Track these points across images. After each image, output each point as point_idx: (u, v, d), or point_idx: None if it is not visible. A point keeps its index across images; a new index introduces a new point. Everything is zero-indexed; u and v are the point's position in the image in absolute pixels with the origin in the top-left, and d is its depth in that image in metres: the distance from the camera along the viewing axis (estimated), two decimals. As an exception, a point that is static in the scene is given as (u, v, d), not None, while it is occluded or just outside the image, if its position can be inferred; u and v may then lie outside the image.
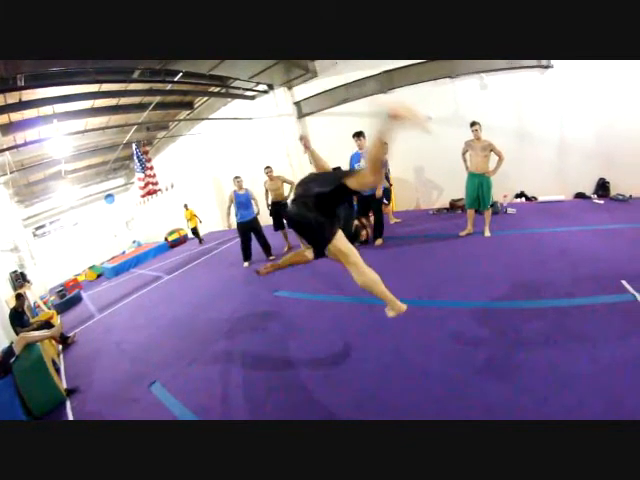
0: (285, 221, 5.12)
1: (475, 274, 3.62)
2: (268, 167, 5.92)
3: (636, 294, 2.72)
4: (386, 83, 6.81)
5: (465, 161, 4.88)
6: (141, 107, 8.40)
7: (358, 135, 5.03)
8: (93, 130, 8.23)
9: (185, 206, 10.74)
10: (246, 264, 5.78)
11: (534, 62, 6.35)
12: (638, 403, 1.72)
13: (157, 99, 8.12)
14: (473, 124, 4.65)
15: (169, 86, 7.46)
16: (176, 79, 6.82)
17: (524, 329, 2.51)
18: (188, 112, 10.18)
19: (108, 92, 6.93)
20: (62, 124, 7.30)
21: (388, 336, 2.73)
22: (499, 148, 4.62)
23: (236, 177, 5.70)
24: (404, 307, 2.11)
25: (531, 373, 2.07)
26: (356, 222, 2.42)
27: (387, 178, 6.00)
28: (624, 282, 2.93)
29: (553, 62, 6.30)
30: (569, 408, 1.75)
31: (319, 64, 7.50)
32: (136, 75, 6.34)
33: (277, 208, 5.90)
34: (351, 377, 2.37)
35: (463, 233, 4.90)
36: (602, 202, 6.04)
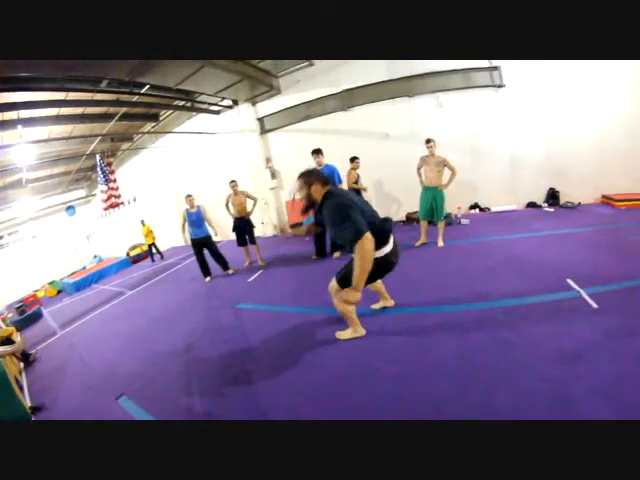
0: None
1: (428, 282, 4.00)
2: (233, 181, 6.17)
3: (580, 291, 3.14)
4: (346, 101, 7.41)
5: (420, 175, 5.38)
6: (106, 117, 8.58)
7: (317, 152, 5.42)
8: (57, 139, 8.37)
9: (142, 222, 10.92)
10: (207, 279, 6.03)
11: (488, 81, 7.19)
12: (581, 391, 1.99)
13: (123, 110, 8.34)
14: (428, 141, 5.18)
15: (135, 98, 7.68)
16: (143, 91, 7.08)
17: (473, 329, 2.85)
18: (153, 124, 10.46)
19: (75, 101, 7.09)
20: (26, 130, 7.36)
21: (344, 344, 2.99)
22: (452, 163, 5.14)
23: (188, 195, 5.98)
24: (364, 332, 2.55)
25: (478, 369, 2.35)
26: None
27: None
28: (569, 281, 3.37)
29: (506, 81, 7.16)
30: (514, 401, 1.99)
31: (283, 81, 8.04)
32: (104, 85, 6.51)
33: (241, 224, 6.18)
34: (313, 381, 2.58)
35: (418, 243, 5.43)
36: (552, 210, 6.84)
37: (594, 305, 2.90)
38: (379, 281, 3.23)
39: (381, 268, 2.46)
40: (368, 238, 2.11)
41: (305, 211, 2.58)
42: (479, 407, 2.01)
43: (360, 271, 2.18)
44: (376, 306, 3.48)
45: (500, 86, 7.16)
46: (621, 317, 2.71)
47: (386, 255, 2.42)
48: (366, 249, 2.12)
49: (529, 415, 1.88)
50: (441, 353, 2.61)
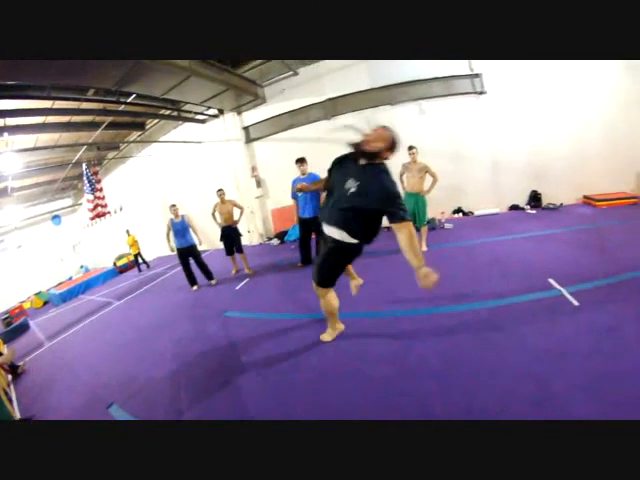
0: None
1: (411, 285, 4.15)
2: (221, 190, 6.31)
3: (561, 289, 3.34)
4: (330, 110, 7.69)
5: (402, 182, 5.59)
6: (93, 126, 8.69)
7: (301, 161, 5.64)
8: (44, 148, 8.46)
9: (127, 232, 11.03)
10: (194, 288, 6.17)
11: (469, 88, 7.50)
12: (564, 388, 2.11)
13: (110, 119, 8.47)
14: (410, 148, 5.40)
15: (122, 107, 7.84)
16: (129, 100, 7.26)
17: (456, 330, 2.98)
18: (139, 133, 10.59)
19: (61, 109, 7.16)
20: (12, 138, 7.48)
21: (328, 348, 3.13)
22: (434, 169, 5.39)
23: (172, 205, 6.09)
24: (342, 327, 2.70)
25: (462, 370, 2.46)
26: None
27: None
28: (551, 280, 3.58)
29: (487, 88, 7.48)
30: (498, 400, 2.10)
31: (268, 90, 8.29)
32: (90, 94, 6.66)
33: (228, 232, 6.30)
34: (300, 384, 2.70)
35: None
36: (535, 212, 7.17)
37: (575, 303, 3.07)
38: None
39: (358, 252, 2.62)
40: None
41: (359, 153, 2.37)
42: (463, 406, 2.11)
43: (415, 250, 2.20)
44: (354, 291, 3.63)
45: (481, 93, 7.49)
46: (602, 313, 2.88)
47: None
48: (412, 231, 2.21)
49: (513, 413, 1.98)
50: (424, 354, 2.74)
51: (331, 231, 2.52)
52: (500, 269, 4.15)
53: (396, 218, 2.22)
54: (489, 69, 7.50)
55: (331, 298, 2.88)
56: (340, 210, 2.42)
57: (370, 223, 2.45)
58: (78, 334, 5.95)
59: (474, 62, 7.46)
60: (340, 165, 2.59)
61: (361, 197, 2.30)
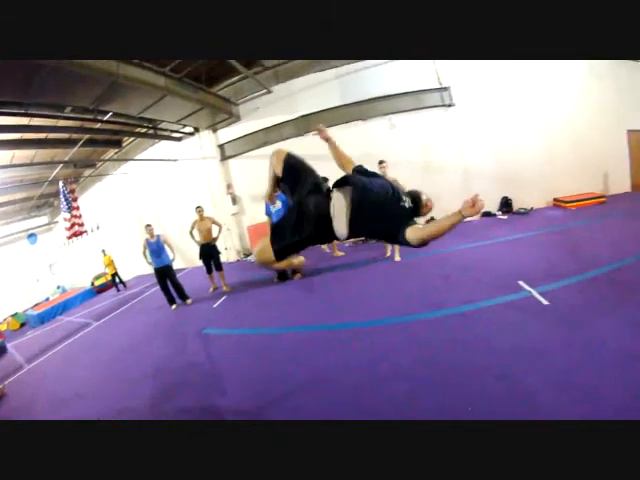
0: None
1: (384, 295, 4.47)
2: (199, 207, 6.56)
3: (531, 290, 3.66)
4: (302, 127, 8.12)
5: None
6: (70, 143, 8.80)
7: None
8: (21, 165, 8.56)
9: (103, 252, 11.14)
10: (174, 306, 6.37)
11: (438, 101, 8.03)
12: (533, 382, 2.29)
13: (86, 136, 8.62)
14: (381, 162, 5.82)
15: (98, 125, 8.12)
16: (106, 118, 7.48)
17: (428, 336, 3.19)
18: (116, 150, 10.79)
19: (38, 126, 7.24)
20: None
21: (303, 359, 3.36)
22: (403, 182, 5.95)
23: (147, 225, 6.33)
24: (301, 258, 2.29)
25: (433, 372, 2.63)
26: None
27: None
28: (521, 282, 3.91)
29: (455, 100, 8.03)
30: (471, 400, 2.25)
31: (242, 108, 8.70)
32: (68, 111, 6.78)
33: (207, 250, 6.53)
34: (278, 392, 2.90)
35: (387, 255, 6.18)
36: (506, 217, 7.72)
37: (545, 302, 3.38)
38: None
39: None
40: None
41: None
42: (435, 408, 2.27)
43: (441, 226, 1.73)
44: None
45: (450, 105, 8.03)
46: (571, 310, 3.16)
47: None
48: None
49: (486, 412, 2.13)
50: (396, 360, 2.92)
51: None
52: (472, 275, 4.48)
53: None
54: (457, 82, 8.06)
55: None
56: None
57: None
58: (58, 356, 6.00)
59: (442, 75, 8.00)
60: None
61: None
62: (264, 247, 1.95)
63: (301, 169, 2.05)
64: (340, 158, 2.21)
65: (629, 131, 8.67)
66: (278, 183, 2.14)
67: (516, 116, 8.14)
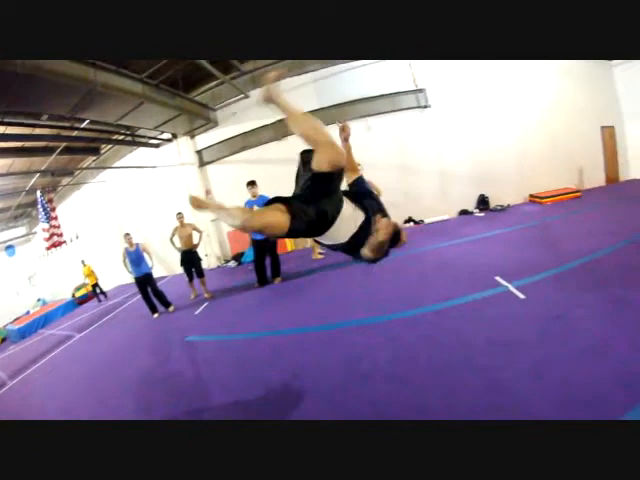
0: None
1: (362, 296, 4.61)
2: (180, 213, 6.70)
3: (508, 285, 3.81)
4: (280, 131, 8.35)
5: None
6: (47, 151, 8.87)
7: (251, 184, 6.17)
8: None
9: (82, 262, 11.15)
10: (155, 315, 6.48)
11: (414, 103, 8.35)
12: (512, 376, 2.38)
13: (64, 144, 8.69)
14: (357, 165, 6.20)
15: (75, 132, 8.19)
16: (83, 125, 7.62)
17: (405, 334, 3.30)
18: (94, 158, 10.86)
19: (14, 135, 7.19)
20: None
21: (284, 364, 3.44)
22: (377, 183, 6.13)
23: (126, 234, 6.47)
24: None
25: (412, 370, 2.73)
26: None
27: None
28: (497, 277, 4.07)
29: (431, 102, 8.36)
30: (448, 396, 2.34)
31: (220, 113, 8.89)
32: (44, 118, 6.88)
33: (188, 257, 6.66)
34: (260, 397, 2.99)
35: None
36: (483, 214, 8.06)
37: (521, 296, 3.53)
38: None
39: None
40: None
41: None
42: (415, 405, 2.34)
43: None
44: None
45: (426, 107, 8.36)
46: (547, 302, 3.31)
47: None
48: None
49: (463, 407, 2.22)
50: (374, 360, 3.03)
51: None
52: (449, 272, 4.65)
53: None
54: (432, 84, 8.39)
55: None
56: None
57: None
58: (42, 370, 5.99)
59: (418, 77, 8.33)
60: None
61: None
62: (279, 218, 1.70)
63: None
64: (350, 162, 2.09)
65: (602, 127, 9.14)
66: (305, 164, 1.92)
67: (491, 116, 8.53)
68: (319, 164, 1.65)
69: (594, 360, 2.41)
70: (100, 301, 10.87)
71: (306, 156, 1.84)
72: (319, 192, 1.76)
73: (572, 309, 3.14)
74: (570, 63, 8.78)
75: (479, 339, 2.96)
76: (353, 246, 1.89)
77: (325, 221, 1.81)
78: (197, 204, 1.91)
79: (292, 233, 1.75)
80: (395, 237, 1.92)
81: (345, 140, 2.18)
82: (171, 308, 6.57)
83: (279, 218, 1.70)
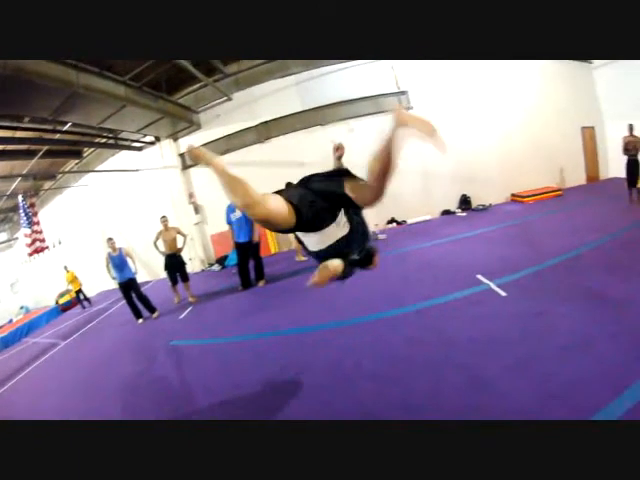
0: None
1: (343, 297, 4.64)
2: (164, 217, 6.73)
3: (489, 283, 3.92)
4: (263, 133, 8.48)
5: None
6: (28, 154, 8.77)
7: None
8: None
9: (65, 268, 10.97)
10: (140, 321, 6.45)
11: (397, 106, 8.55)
12: (495, 372, 2.42)
13: (45, 147, 8.63)
14: None
15: (57, 135, 8.12)
16: (65, 128, 7.61)
17: (388, 334, 3.36)
18: (76, 161, 10.80)
19: None
20: None
21: (269, 365, 3.50)
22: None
23: (109, 239, 6.42)
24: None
25: (395, 370, 2.77)
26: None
27: None
28: (479, 276, 4.16)
29: (413, 104, 8.54)
30: (433, 394, 2.40)
31: (203, 116, 8.96)
32: (26, 121, 6.84)
33: (172, 261, 6.67)
34: (244, 399, 3.03)
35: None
36: (465, 214, 8.27)
37: (503, 294, 3.64)
38: None
39: None
40: None
41: None
42: (400, 404, 2.39)
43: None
44: None
45: (408, 109, 8.52)
46: (528, 299, 3.42)
47: None
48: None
49: (446, 403, 2.28)
50: (358, 360, 3.09)
51: None
52: (431, 272, 4.75)
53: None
54: (415, 86, 8.58)
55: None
56: None
57: None
58: (27, 380, 5.87)
59: (401, 80, 8.51)
60: None
61: None
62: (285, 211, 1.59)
63: None
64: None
65: (583, 128, 9.47)
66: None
67: (474, 117, 8.76)
68: (364, 199, 1.61)
69: (575, 356, 2.50)
70: (84, 307, 10.79)
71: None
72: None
73: (553, 306, 3.24)
74: (552, 66, 9.10)
75: (461, 337, 3.03)
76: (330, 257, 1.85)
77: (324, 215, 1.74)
78: (196, 155, 1.73)
79: (298, 226, 1.67)
80: (369, 260, 2.12)
81: (339, 159, 2.21)
82: (155, 314, 6.57)
83: (285, 209, 1.60)
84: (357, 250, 1.97)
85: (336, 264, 1.76)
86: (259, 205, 1.49)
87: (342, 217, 1.81)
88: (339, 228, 1.82)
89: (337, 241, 1.84)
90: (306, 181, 1.83)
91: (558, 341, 2.70)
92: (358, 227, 1.91)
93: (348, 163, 5.42)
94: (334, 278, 1.79)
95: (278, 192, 1.72)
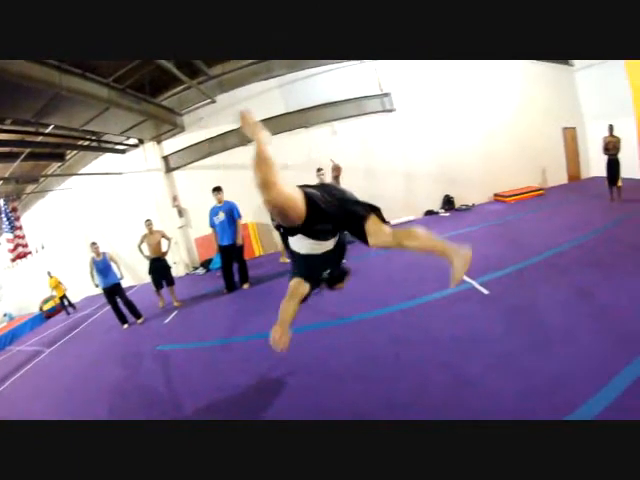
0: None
1: (330, 298, 4.47)
2: (149, 220, 6.72)
3: (472, 282, 4.01)
4: (247, 136, 8.57)
5: None
6: (10, 157, 8.67)
7: (217, 190, 6.31)
8: None
9: (49, 274, 10.88)
10: (125, 326, 6.42)
11: (379, 107, 8.66)
12: (478, 370, 2.49)
13: (28, 150, 8.53)
14: (319, 170, 6.28)
15: (40, 138, 8.07)
16: (48, 131, 7.53)
17: (372, 334, 3.43)
18: (59, 164, 10.67)
19: None
20: None
21: (255, 366, 3.57)
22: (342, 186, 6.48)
23: (92, 243, 6.42)
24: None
25: (379, 369, 2.84)
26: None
27: None
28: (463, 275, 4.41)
29: (396, 105, 8.69)
30: (416, 393, 2.47)
31: (187, 118, 8.98)
32: (8, 123, 6.81)
33: (157, 265, 6.65)
34: (230, 400, 3.10)
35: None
36: (448, 214, 8.44)
37: (485, 292, 3.75)
38: None
39: None
40: None
41: None
42: (385, 403, 2.45)
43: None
44: None
45: (391, 110, 8.68)
46: (510, 297, 3.52)
47: None
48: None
49: (432, 403, 2.34)
50: (343, 360, 3.16)
51: None
52: (415, 273, 4.82)
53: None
54: (398, 88, 8.72)
55: None
56: None
57: None
58: (12, 390, 5.76)
59: (383, 82, 8.65)
60: None
61: None
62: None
63: None
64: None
65: (565, 129, 9.76)
66: None
67: (457, 119, 8.93)
68: (376, 241, 1.69)
69: (558, 350, 2.59)
70: (69, 314, 10.68)
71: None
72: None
73: (534, 302, 3.35)
74: (534, 68, 9.35)
75: (445, 336, 3.11)
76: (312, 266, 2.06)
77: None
78: (246, 121, 1.77)
79: (304, 224, 1.69)
80: (340, 279, 2.27)
81: (335, 179, 2.31)
82: (140, 320, 6.50)
83: (301, 201, 1.61)
84: (334, 267, 2.14)
85: (281, 320, 2.01)
86: (276, 187, 1.49)
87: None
88: (330, 242, 1.96)
89: (323, 253, 1.97)
90: (326, 188, 1.85)
91: (540, 336, 2.78)
92: (342, 246, 2.07)
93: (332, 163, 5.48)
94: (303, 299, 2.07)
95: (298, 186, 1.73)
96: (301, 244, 1.97)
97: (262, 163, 1.52)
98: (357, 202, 1.77)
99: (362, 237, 1.75)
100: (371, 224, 1.71)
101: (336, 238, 1.99)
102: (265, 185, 1.49)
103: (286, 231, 1.91)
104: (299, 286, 2.05)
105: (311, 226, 1.77)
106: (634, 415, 1.81)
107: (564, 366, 2.41)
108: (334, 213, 1.73)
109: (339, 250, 2.06)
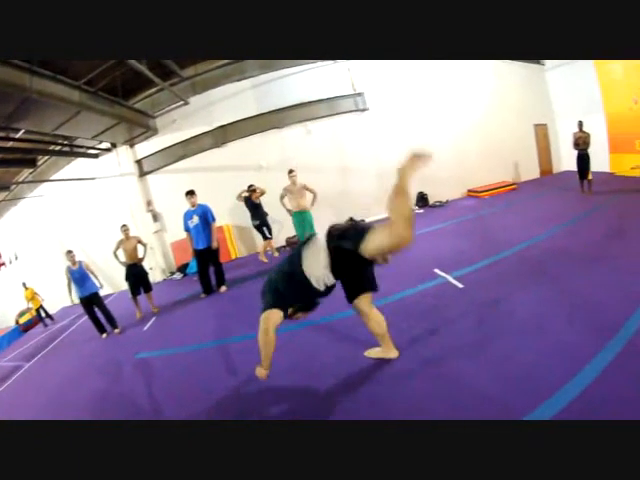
0: None
1: None
2: (125, 225, 6.67)
3: (446, 276, 4.14)
4: (220, 138, 8.65)
5: (284, 205, 6.67)
6: None
7: (190, 194, 6.33)
8: None
9: (24, 285, 10.76)
10: (104, 335, 6.33)
11: (352, 106, 8.87)
12: (452, 365, 2.56)
13: None
14: (291, 171, 6.48)
15: (10, 143, 7.91)
16: (18, 136, 7.47)
17: (349, 332, 3.50)
18: (31, 170, 10.49)
19: None
20: None
21: (238, 367, 3.65)
22: (312, 186, 6.55)
23: (68, 252, 6.29)
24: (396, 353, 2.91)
25: (361, 367, 2.92)
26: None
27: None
28: (437, 270, 4.36)
29: (369, 105, 8.91)
30: (394, 385, 2.56)
31: (160, 121, 9.02)
32: None
33: (134, 271, 6.62)
34: (214, 405, 3.13)
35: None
36: (422, 211, 8.73)
37: (460, 285, 3.86)
38: None
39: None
40: None
41: None
42: (368, 401, 2.53)
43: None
44: None
45: (364, 110, 8.91)
46: (483, 290, 3.63)
47: None
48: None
49: (411, 398, 2.42)
50: (324, 359, 3.24)
51: None
52: (390, 268, 4.79)
53: None
54: (371, 87, 8.94)
55: None
56: None
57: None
58: None
59: (357, 81, 8.86)
60: None
61: None
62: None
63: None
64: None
65: (536, 125, 10.23)
66: None
67: (430, 117, 9.23)
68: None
69: (531, 340, 2.71)
70: (46, 325, 10.53)
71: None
72: None
73: (508, 294, 3.48)
74: (506, 67, 9.74)
75: (420, 329, 3.22)
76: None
77: None
78: (412, 163, 1.94)
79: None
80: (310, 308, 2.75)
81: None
82: (117, 330, 6.39)
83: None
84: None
85: (265, 358, 2.48)
86: (410, 241, 1.83)
87: None
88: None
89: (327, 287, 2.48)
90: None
91: (513, 327, 2.93)
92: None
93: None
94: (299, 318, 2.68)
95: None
96: (328, 278, 2.40)
97: (407, 216, 1.82)
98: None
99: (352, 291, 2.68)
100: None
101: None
102: (404, 240, 1.83)
103: (358, 266, 2.46)
104: (274, 316, 2.35)
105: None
106: (602, 407, 1.92)
107: (537, 353, 2.55)
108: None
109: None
